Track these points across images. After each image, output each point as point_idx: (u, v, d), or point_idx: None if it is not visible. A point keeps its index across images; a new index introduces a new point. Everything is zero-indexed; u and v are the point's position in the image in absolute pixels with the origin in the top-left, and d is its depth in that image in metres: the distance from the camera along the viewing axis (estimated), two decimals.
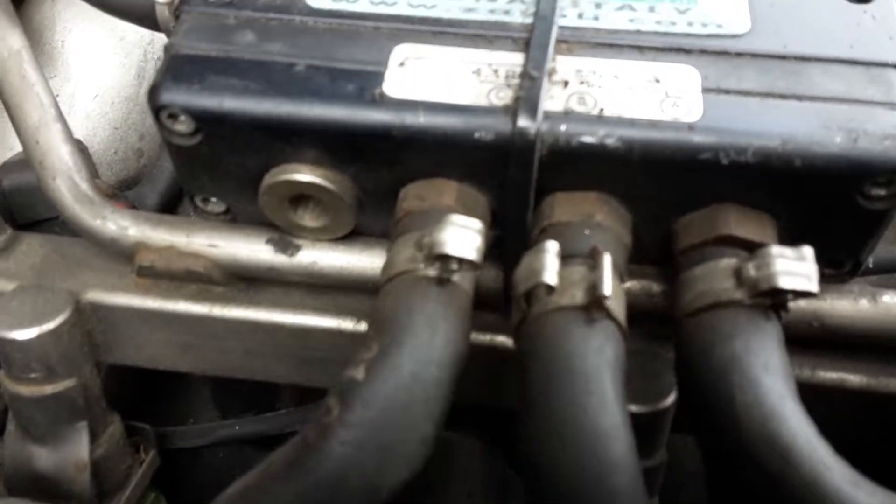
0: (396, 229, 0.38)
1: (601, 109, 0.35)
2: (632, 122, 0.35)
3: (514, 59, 0.37)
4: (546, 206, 0.37)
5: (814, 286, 0.33)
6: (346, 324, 0.42)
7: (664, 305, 0.40)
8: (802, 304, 0.39)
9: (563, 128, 0.35)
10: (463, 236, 0.34)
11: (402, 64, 0.37)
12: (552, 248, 0.34)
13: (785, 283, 0.33)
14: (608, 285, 0.33)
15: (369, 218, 0.40)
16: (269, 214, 0.40)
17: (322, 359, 0.43)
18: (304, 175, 0.38)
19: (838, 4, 0.39)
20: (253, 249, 0.42)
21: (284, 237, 0.42)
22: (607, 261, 0.34)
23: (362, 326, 0.42)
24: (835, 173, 0.34)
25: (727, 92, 0.36)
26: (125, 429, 0.50)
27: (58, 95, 0.54)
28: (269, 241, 0.42)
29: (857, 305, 0.39)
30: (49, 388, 0.42)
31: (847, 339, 0.39)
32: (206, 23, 0.39)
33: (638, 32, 0.38)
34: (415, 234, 0.36)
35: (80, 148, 0.53)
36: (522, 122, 0.35)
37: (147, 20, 0.48)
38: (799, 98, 0.36)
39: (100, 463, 0.47)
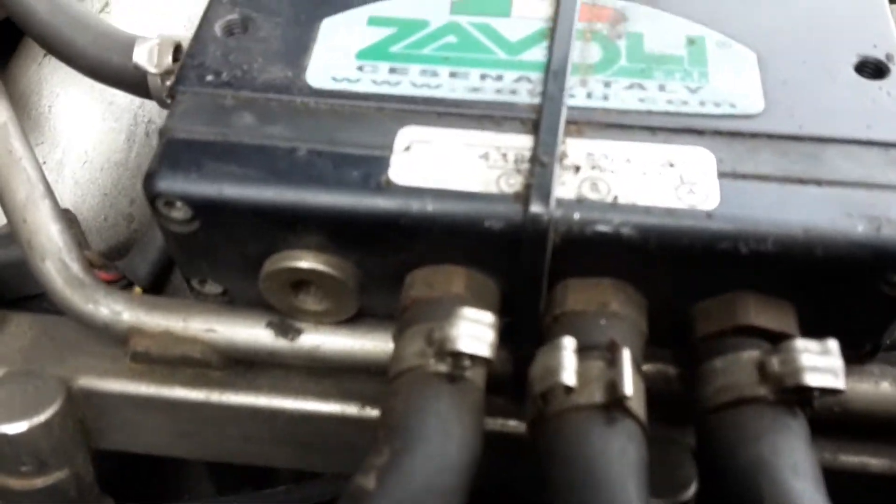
0: (403, 318, 0.36)
1: (615, 197, 0.34)
2: (647, 210, 0.34)
3: (522, 143, 0.36)
4: (559, 292, 0.36)
5: (841, 383, 0.32)
6: (351, 409, 0.41)
7: (681, 389, 0.38)
8: None
9: (576, 216, 0.34)
10: (476, 332, 0.33)
11: (407, 148, 0.36)
12: (569, 344, 0.32)
13: (811, 380, 0.32)
14: (629, 385, 0.32)
15: (374, 300, 0.39)
16: (269, 299, 0.39)
17: (325, 444, 0.42)
18: (307, 262, 0.36)
19: (852, 81, 0.38)
20: (252, 334, 0.40)
21: (285, 320, 0.40)
22: (626, 357, 0.32)
23: (367, 411, 0.41)
24: (857, 262, 0.33)
25: (744, 177, 0.35)
26: None
27: (45, 162, 0.53)
28: (269, 325, 0.40)
29: (878, 388, 0.38)
30: (40, 482, 0.41)
31: (869, 422, 0.38)
32: (203, 104, 0.38)
33: (649, 113, 0.37)
34: (424, 327, 0.34)
35: (69, 218, 0.51)
36: (534, 210, 0.34)
37: (139, 88, 0.46)
38: (818, 183, 0.35)
39: None
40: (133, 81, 0.46)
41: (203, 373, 0.41)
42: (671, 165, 0.35)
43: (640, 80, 0.38)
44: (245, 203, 0.35)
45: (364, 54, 0.39)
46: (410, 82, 0.38)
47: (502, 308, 0.37)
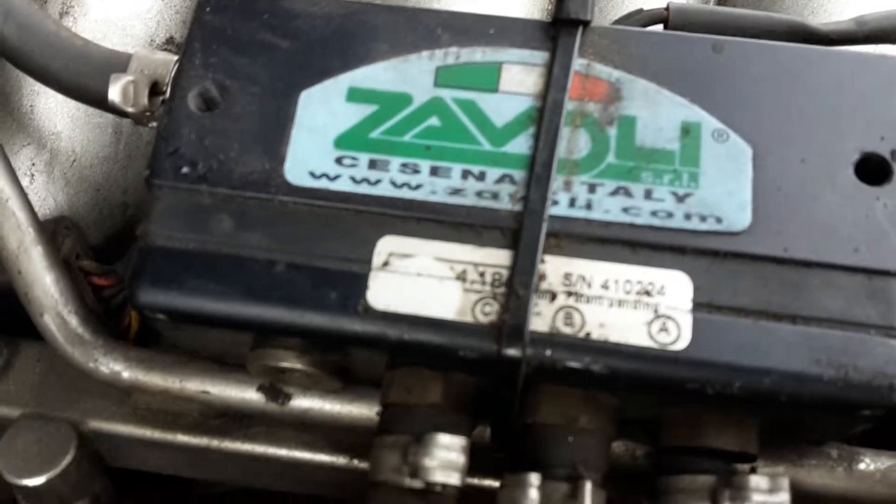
0: (383, 418, 0.38)
1: (587, 333, 0.35)
2: (617, 349, 0.34)
3: (501, 259, 0.36)
4: (532, 399, 0.37)
5: None
6: (340, 460, 0.44)
7: (646, 465, 0.41)
8: (779, 469, 0.40)
9: (548, 352, 0.35)
10: (448, 460, 0.35)
11: (385, 263, 0.36)
12: (534, 481, 0.34)
13: None
14: None
15: (359, 378, 0.41)
16: (257, 377, 0.41)
17: (318, 483, 0.46)
18: (289, 363, 0.38)
19: (850, 186, 0.36)
20: (244, 398, 0.42)
21: (275, 385, 0.42)
22: (587, 492, 0.35)
23: (355, 463, 0.44)
24: (820, 406, 0.34)
25: (720, 309, 0.35)
26: None
27: (34, 164, 0.52)
28: (259, 389, 0.42)
29: (833, 474, 0.40)
30: None
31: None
32: (181, 202, 0.37)
33: (632, 226, 0.36)
34: (401, 439, 0.36)
35: (66, 226, 0.52)
36: (508, 348, 0.34)
37: (118, 111, 0.45)
38: (793, 320, 0.35)
39: None
40: (111, 107, 0.45)
41: (203, 420, 0.44)
42: (647, 294, 0.35)
43: (626, 184, 0.37)
44: (225, 319, 0.36)
45: (343, 141, 0.38)
46: (390, 180, 0.37)
47: (480, 400, 0.38)
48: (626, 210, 0.36)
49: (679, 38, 0.39)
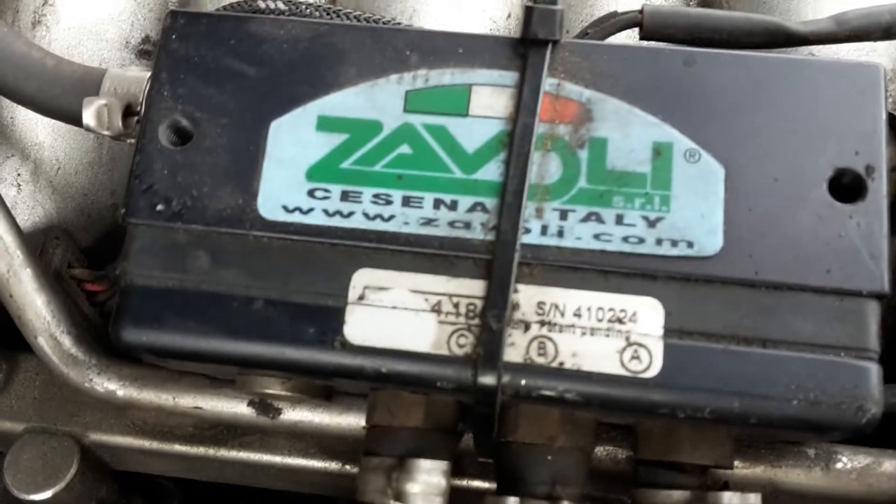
0: (367, 438, 0.39)
1: (560, 363, 0.35)
2: (590, 378, 0.35)
3: (474, 290, 0.36)
4: (510, 418, 0.38)
5: None
6: (333, 465, 0.46)
7: (628, 469, 0.42)
8: (758, 470, 0.42)
9: (522, 382, 0.35)
10: (429, 484, 0.36)
11: (361, 297, 0.36)
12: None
13: None
14: None
15: (345, 391, 0.42)
16: (245, 395, 0.42)
17: (315, 483, 0.47)
18: (273, 389, 0.39)
19: (823, 205, 0.36)
20: (236, 413, 0.44)
21: (265, 401, 0.44)
22: None
23: (346, 469, 0.45)
24: (789, 429, 0.35)
25: (690, 334, 0.35)
26: None
27: (19, 175, 0.53)
28: (250, 405, 0.44)
29: (810, 474, 0.41)
30: None
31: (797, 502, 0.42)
32: (157, 240, 0.38)
33: (603, 253, 0.36)
34: (385, 461, 0.38)
35: (56, 236, 0.52)
36: (483, 379, 0.35)
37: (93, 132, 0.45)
38: (763, 343, 0.35)
39: None
40: (88, 129, 0.45)
41: (198, 431, 0.46)
42: (620, 321, 0.36)
43: (597, 210, 0.37)
44: (207, 355, 0.37)
45: (315, 173, 0.38)
46: (363, 212, 0.37)
47: (462, 416, 0.40)
48: (597, 237, 0.36)
49: (650, 52, 0.38)
